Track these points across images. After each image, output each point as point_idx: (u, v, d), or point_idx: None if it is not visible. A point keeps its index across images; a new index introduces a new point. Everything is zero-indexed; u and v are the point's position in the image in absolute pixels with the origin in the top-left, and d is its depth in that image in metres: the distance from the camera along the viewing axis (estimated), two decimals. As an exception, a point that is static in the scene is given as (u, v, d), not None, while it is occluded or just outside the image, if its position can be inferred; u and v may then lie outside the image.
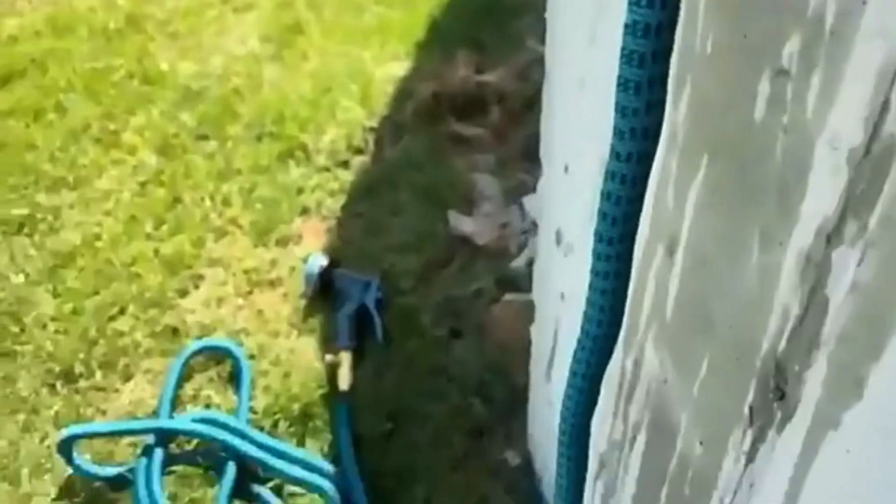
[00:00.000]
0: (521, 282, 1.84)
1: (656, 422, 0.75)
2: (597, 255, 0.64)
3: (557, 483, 0.82)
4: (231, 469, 1.53)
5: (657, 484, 0.77)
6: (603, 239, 0.63)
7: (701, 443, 0.64)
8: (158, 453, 1.55)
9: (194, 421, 1.61)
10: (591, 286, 0.66)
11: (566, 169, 0.96)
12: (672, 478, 0.73)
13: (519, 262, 1.87)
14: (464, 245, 1.92)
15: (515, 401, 1.65)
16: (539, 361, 1.28)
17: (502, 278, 1.83)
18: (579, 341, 0.70)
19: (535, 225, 1.93)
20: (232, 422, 1.59)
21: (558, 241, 1.02)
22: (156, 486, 1.49)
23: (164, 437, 1.58)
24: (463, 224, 1.94)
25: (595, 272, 0.65)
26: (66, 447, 1.54)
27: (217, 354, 1.76)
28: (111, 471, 1.56)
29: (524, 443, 1.59)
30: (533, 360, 1.33)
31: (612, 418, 0.82)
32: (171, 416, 1.64)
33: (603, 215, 0.62)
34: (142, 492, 1.50)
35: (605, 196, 0.61)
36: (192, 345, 1.75)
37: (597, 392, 0.75)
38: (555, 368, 1.18)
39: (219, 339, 1.78)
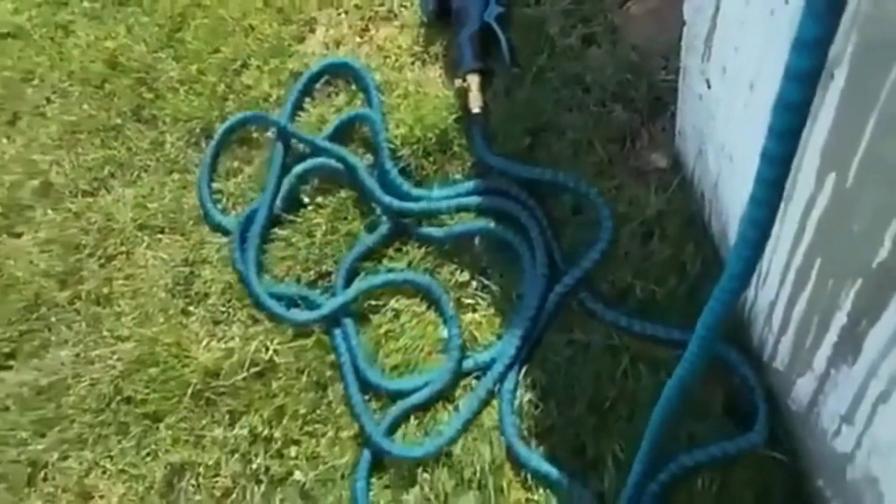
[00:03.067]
0: (656, -26, 1.66)
1: (867, 43, 0.66)
2: None
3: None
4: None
5: (862, 113, 0.69)
6: None
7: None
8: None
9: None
10: None
11: None
12: (886, 102, 0.66)
13: (651, -45, 1.68)
14: (587, -58, 1.73)
15: (658, 103, 1.57)
16: (693, 42, 1.17)
17: (634, -27, 1.66)
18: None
19: None
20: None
21: None
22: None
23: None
24: (584, -83, 1.73)
25: None
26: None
27: (346, 87, 1.76)
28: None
29: (671, 145, 1.52)
30: (685, 44, 1.22)
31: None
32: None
33: None
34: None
35: None
36: (315, 65, 1.77)
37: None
38: (715, 42, 1.07)
39: (342, 57, 1.78)
